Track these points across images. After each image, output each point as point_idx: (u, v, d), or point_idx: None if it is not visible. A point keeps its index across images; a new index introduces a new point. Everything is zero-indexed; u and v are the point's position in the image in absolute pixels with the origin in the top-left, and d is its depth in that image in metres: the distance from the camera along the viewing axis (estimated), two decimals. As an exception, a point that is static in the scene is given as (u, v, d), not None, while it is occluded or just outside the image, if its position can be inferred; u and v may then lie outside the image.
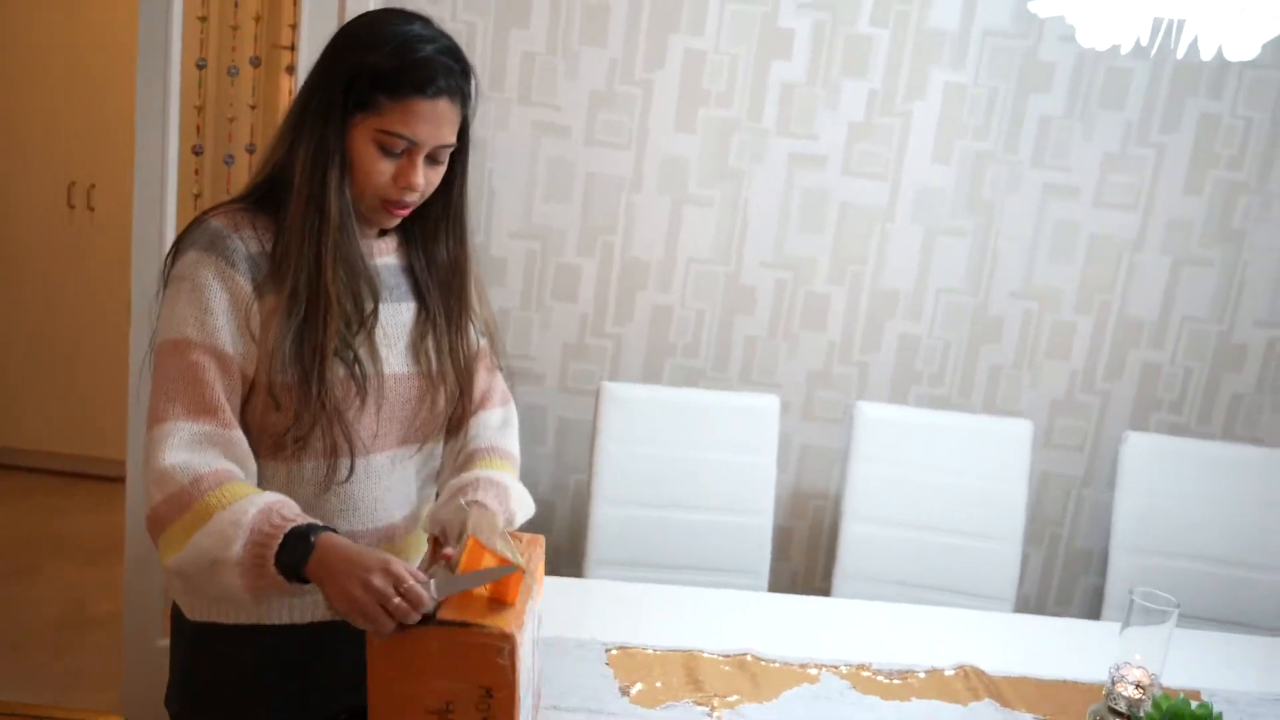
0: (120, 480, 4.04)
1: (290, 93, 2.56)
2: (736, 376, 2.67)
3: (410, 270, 1.48)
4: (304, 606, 1.44)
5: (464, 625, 1.19)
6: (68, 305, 4.01)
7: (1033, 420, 2.53)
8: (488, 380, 1.59)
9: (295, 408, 1.32)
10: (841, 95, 2.55)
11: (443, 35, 1.37)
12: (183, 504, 1.23)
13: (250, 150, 2.71)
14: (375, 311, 1.38)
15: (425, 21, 1.37)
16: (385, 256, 1.46)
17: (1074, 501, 2.77)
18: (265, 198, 1.37)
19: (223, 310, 1.30)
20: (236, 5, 2.72)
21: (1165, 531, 2.47)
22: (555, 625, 1.78)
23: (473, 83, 1.39)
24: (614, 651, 1.75)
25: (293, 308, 1.31)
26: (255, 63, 2.72)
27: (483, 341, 1.57)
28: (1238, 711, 1.81)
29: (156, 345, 1.32)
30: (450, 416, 1.52)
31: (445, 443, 1.57)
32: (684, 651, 1.78)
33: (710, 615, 1.96)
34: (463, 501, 1.37)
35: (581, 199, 2.59)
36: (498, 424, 1.58)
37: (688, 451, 2.38)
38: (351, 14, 2.41)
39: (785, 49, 2.52)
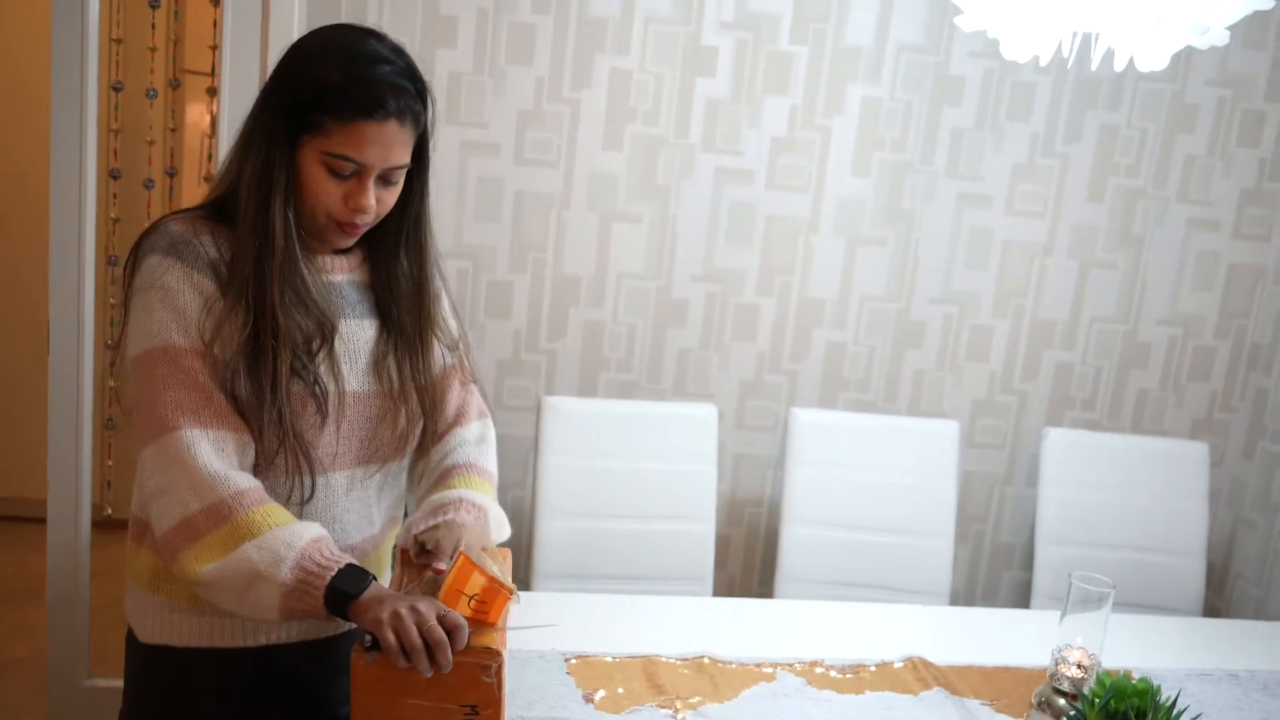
0: (24, 520, 3.92)
1: (213, 115, 2.53)
2: (670, 388, 2.72)
3: (373, 287, 1.46)
4: (257, 630, 1.41)
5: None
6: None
7: (956, 421, 2.63)
8: (462, 395, 1.57)
9: (259, 426, 1.31)
10: (764, 111, 2.62)
11: (397, 54, 1.33)
12: (223, 515, 1.23)
13: (171, 174, 2.66)
14: (333, 331, 1.36)
15: (379, 38, 1.34)
16: (348, 273, 1.44)
17: (997, 498, 2.87)
18: (221, 211, 1.35)
19: (195, 311, 1.28)
20: (153, 27, 2.67)
21: (1084, 522, 2.59)
22: (512, 637, 1.78)
23: (429, 102, 1.36)
24: (574, 660, 1.76)
25: (244, 322, 1.29)
26: (174, 85, 2.68)
27: (452, 356, 1.56)
28: (1167, 687, 1.90)
29: (136, 356, 1.29)
30: (418, 436, 1.50)
31: (419, 459, 1.56)
32: (642, 657, 1.80)
33: (664, 621, 1.99)
34: (454, 518, 1.37)
35: (512, 217, 2.61)
36: (475, 439, 1.56)
37: (629, 463, 2.41)
38: (274, 36, 2.40)
39: (709, 67, 2.59)
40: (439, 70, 2.51)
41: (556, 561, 2.34)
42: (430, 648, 1.16)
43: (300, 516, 1.38)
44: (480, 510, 1.45)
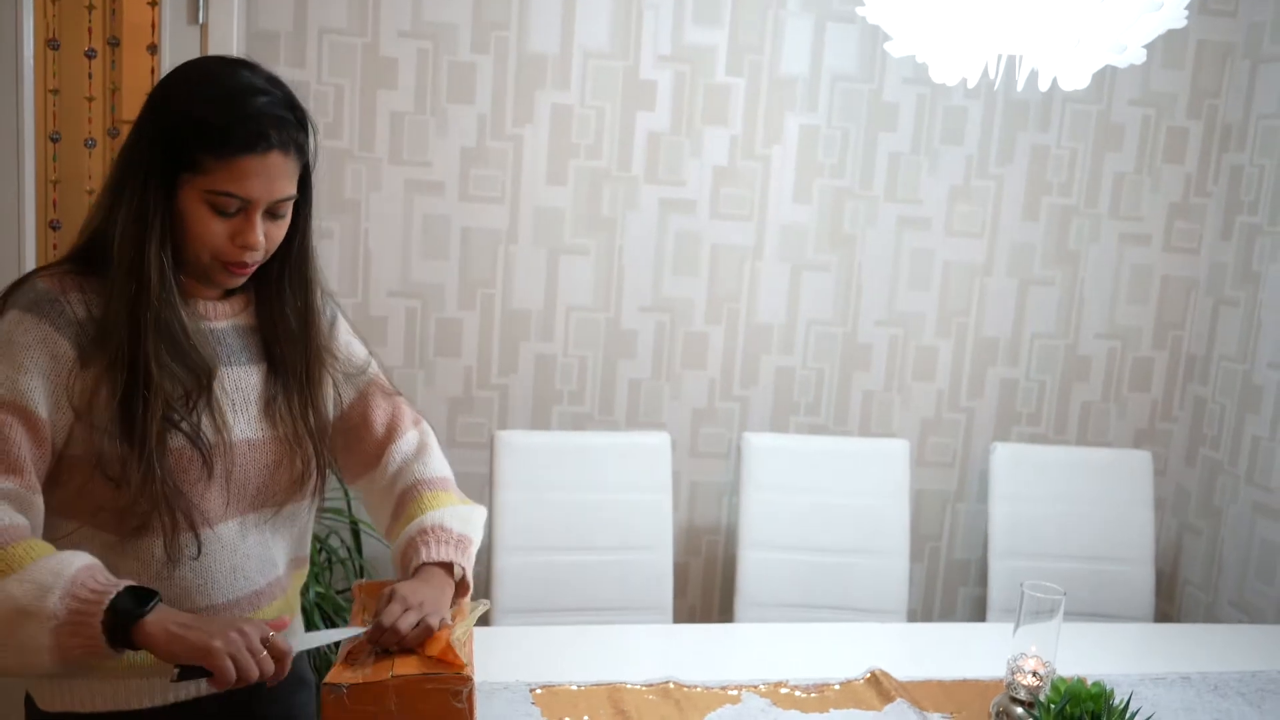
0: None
1: (153, 162, 2.52)
2: (623, 419, 2.73)
3: (259, 330, 1.40)
4: (164, 688, 1.34)
5: (422, 675, 1.20)
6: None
7: (906, 440, 2.66)
8: (388, 408, 1.52)
9: (132, 486, 1.24)
10: (704, 142, 2.67)
11: (273, 84, 1.28)
12: None
13: (112, 222, 2.64)
14: (210, 380, 1.30)
15: (252, 68, 1.29)
16: (231, 319, 1.38)
17: (949, 515, 2.91)
18: (92, 261, 1.27)
19: (40, 373, 1.21)
20: (90, 77, 2.66)
21: (1035, 535, 2.63)
22: (477, 671, 1.77)
23: (310, 130, 1.31)
24: (539, 691, 1.76)
25: (115, 380, 1.23)
26: (114, 134, 2.66)
27: (368, 371, 1.52)
28: (1121, 692, 1.93)
29: None
30: (315, 475, 1.43)
31: (364, 484, 1.54)
32: (607, 685, 1.80)
33: (626, 649, 1.99)
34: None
35: (459, 254, 2.61)
36: (415, 450, 1.52)
37: (584, 494, 2.41)
38: (215, 80, 2.40)
39: (649, 100, 2.62)
40: (381, 111, 2.52)
41: (516, 597, 2.33)
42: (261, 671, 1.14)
43: (191, 572, 1.32)
44: (442, 531, 1.40)
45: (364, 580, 1.54)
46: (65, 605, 1.10)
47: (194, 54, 2.42)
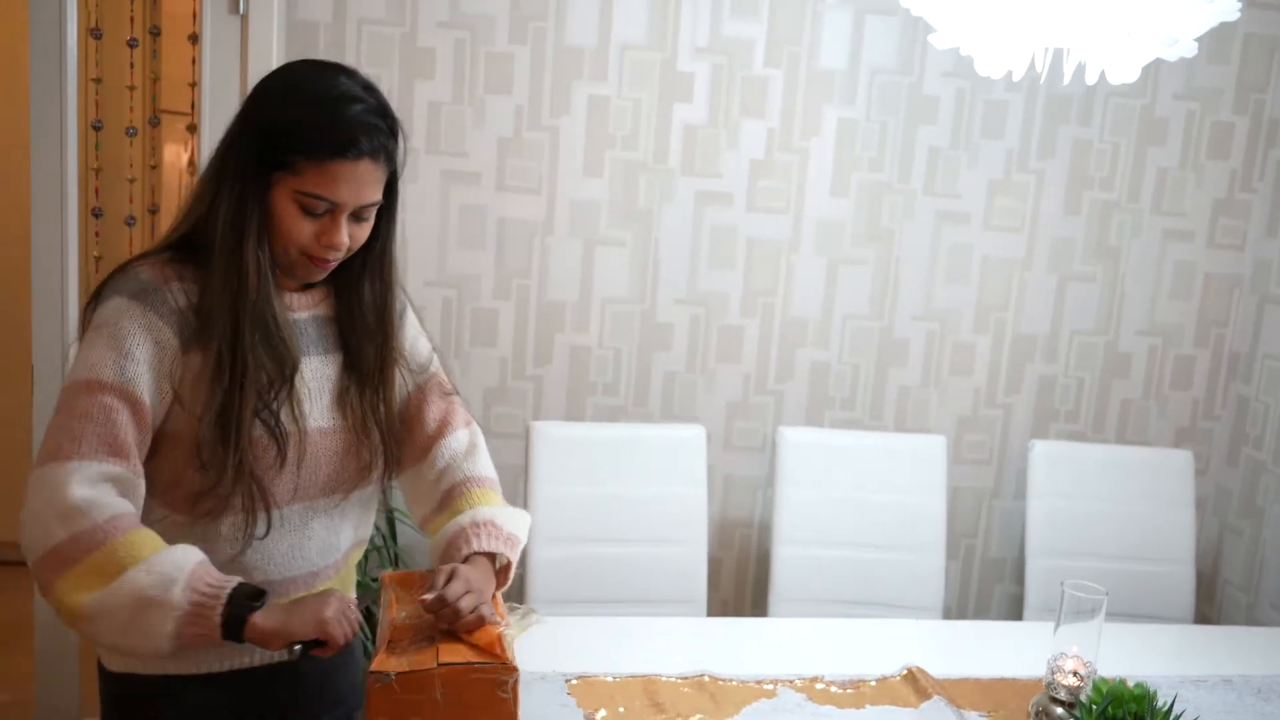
0: (6, 564, 3.87)
1: (191, 153, 2.53)
2: (657, 412, 2.72)
3: (336, 321, 1.45)
4: (219, 655, 1.40)
5: (468, 664, 1.20)
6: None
7: (943, 436, 2.64)
8: (443, 406, 1.55)
9: (216, 469, 1.29)
10: (741, 134, 2.65)
11: (368, 91, 1.33)
12: (96, 542, 1.18)
13: (153, 211, 2.66)
14: (294, 371, 1.35)
15: (350, 75, 1.33)
16: (311, 309, 1.43)
17: (985, 513, 2.89)
18: (189, 249, 1.33)
19: (145, 358, 1.26)
20: (132, 66, 2.68)
21: (1073, 533, 2.60)
22: (521, 658, 1.78)
23: (400, 138, 1.36)
24: (575, 681, 1.76)
25: (213, 368, 1.28)
26: (154, 123, 2.68)
27: (424, 376, 1.54)
28: (1162, 694, 1.91)
29: (66, 386, 1.27)
30: (382, 465, 1.48)
31: (410, 476, 1.55)
32: (642, 677, 1.80)
33: (662, 641, 1.99)
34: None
35: (495, 244, 2.62)
36: (465, 449, 1.54)
37: (619, 487, 2.41)
38: (253, 73, 2.42)
39: (686, 92, 2.61)
40: (418, 101, 2.52)
41: (549, 588, 2.33)
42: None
43: (254, 551, 1.37)
44: (491, 526, 1.44)
45: (392, 571, 1.54)
46: (188, 598, 1.18)
47: (234, 44, 2.43)
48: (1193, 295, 2.87)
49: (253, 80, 2.38)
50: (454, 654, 1.23)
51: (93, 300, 1.32)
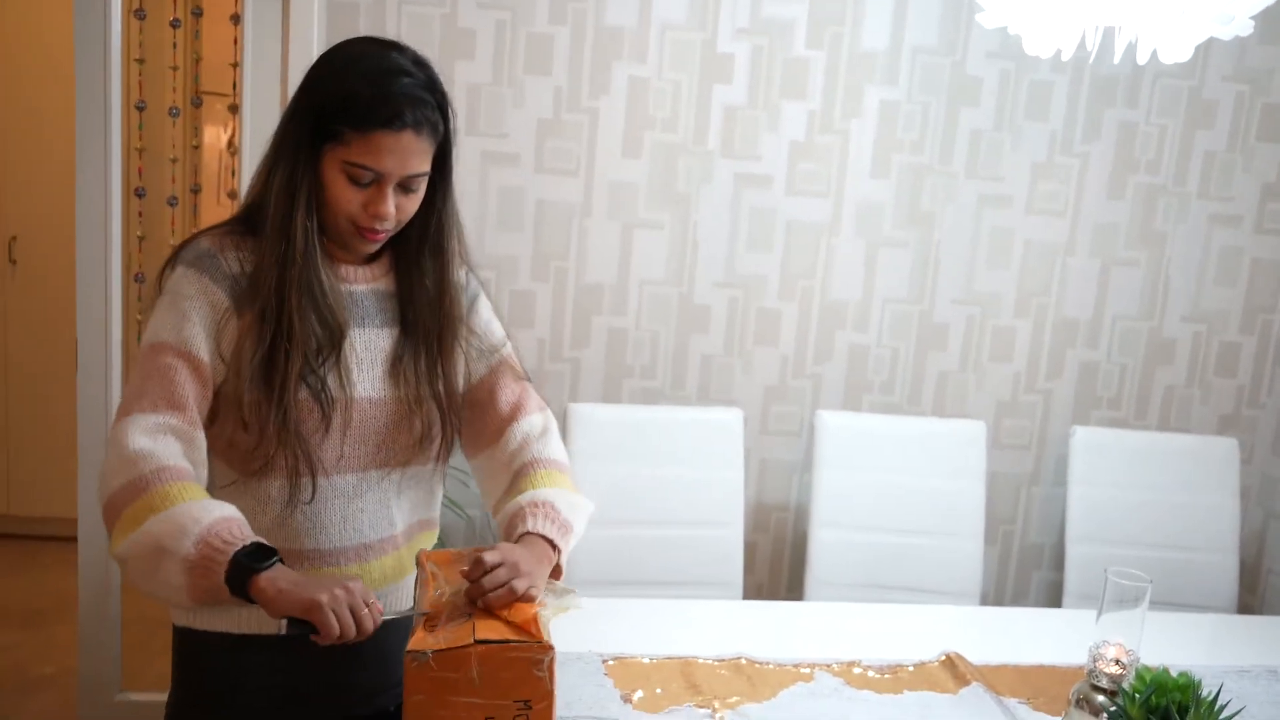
0: (47, 539, 3.94)
1: (233, 133, 2.55)
2: (694, 395, 2.72)
3: (396, 295, 1.48)
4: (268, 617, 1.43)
5: (504, 641, 1.20)
6: (-7, 362, 3.90)
7: (983, 421, 2.62)
8: (516, 389, 1.57)
9: (260, 428, 1.34)
10: (782, 116, 2.63)
11: (418, 66, 1.37)
12: (139, 489, 1.23)
13: (195, 191, 2.68)
14: (342, 338, 1.39)
15: (401, 50, 1.37)
16: (370, 283, 1.46)
17: (1024, 499, 2.86)
18: (249, 221, 1.40)
19: (200, 320, 1.33)
20: (175, 46, 2.69)
21: (1114, 521, 2.58)
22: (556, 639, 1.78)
23: (449, 113, 1.40)
24: (611, 662, 1.76)
25: (261, 330, 1.34)
26: (197, 103, 2.70)
27: (496, 357, 1.56)
28: (1206, 684, 1.89)
29: (138, 355, 1.35)
30: (439, 440, 1.50)
31: (480, 453, 1.57)
32: (679, 659, 1.80)
33: (698, 624, 1.99)
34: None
35: (533, 226, 2.62)
36: (539, 431, 1.55)
37: (656, 469, 2.41)
38: (294, 53, 2.43)
39: (726, 73, 2.60)
40: (458, 82, 2.52)
41: (585, 568, 2.34)
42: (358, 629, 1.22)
43: (304, 516, 1.41)
44: (549, 508, 1.44)
45: (430, 549, 1.55)
46: (198, 550, 1.20)
47: (275, 25, 2.44)
48: (1239, 281, 2.82)
49: (293, 61, 2.42)
50: (490, 631, 1.23)
51: (163, 270, 1.40)
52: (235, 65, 2.55)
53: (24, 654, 3.23)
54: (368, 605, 1.23)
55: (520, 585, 1.29)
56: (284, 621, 1.21)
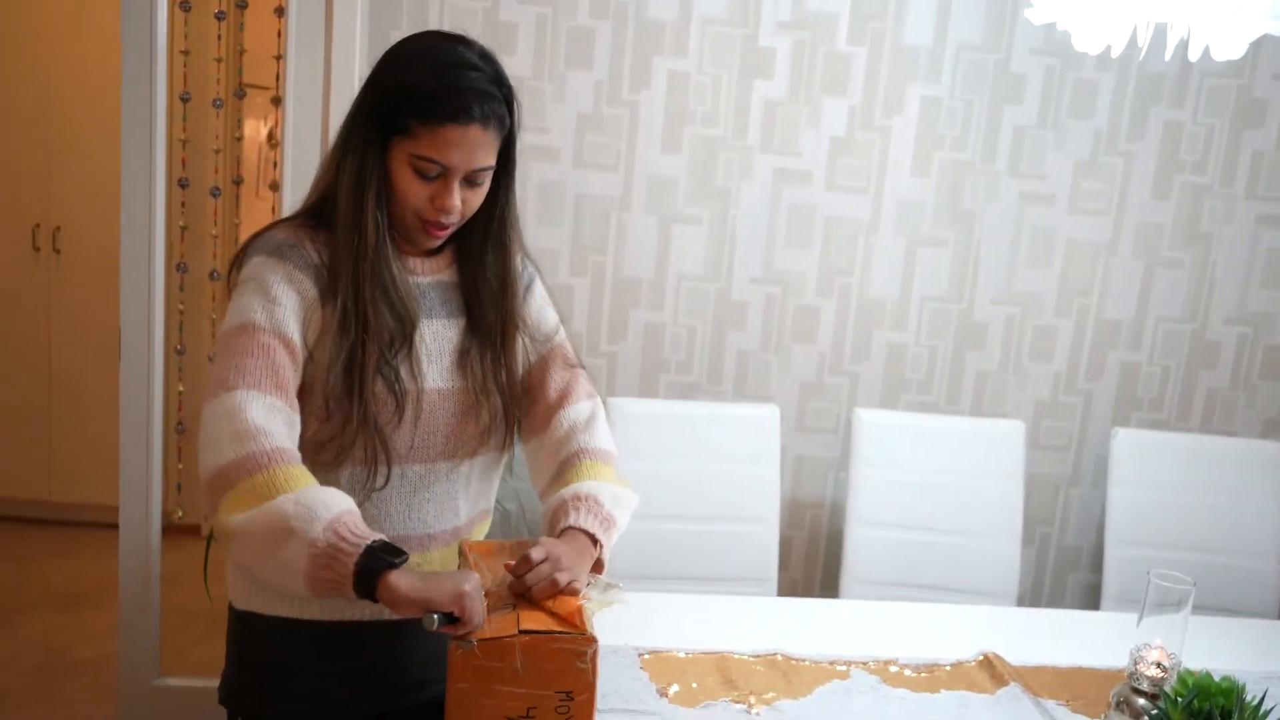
0: (87, 525, 4.00)
1: (278, 124, 2.57)
2: (731, 390, 2.71)
3: (460, 287, 1.49)
4: (335, 605, 1.44)
5: (548, 633, 1.21)
6: (38, 350, 3.95)
7: (1022, 421, 2.60)
8: (565, 376, 1.58)
9: (340, 419, 1.35)
10: (823, 112, 2.62)
11: (485, 60, 1.38)
12: (259, 465, 1.22)
13: (237, 182, 2.70)
14: (413, 329, 1.40)
15: (468, 44, 1.39)
16: (434, 275, 1.48)
17: (1063, 500, 2.83)
18: (319, 215, 1.41)
19: (291, 306, 1.34)
20: (219, 38, 2.72)
21: (1155, 524, 2.55)
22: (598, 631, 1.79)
23: (514, 106, 1.41)
24: (647, 656, 1.76)
25: (344, 326, 1.35)
26: (240, 95, 2.72)
27: (549, 345, 1.57)
28: (1249, 689, 1.86)
29: (220, 335, 1.35)
30: (503, 430, 1.52)
31: (529, 440, 1.58)
32: (715, 654, 1.80)
33: (735, 619, 1.99)
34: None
35: (572, 220, 2.62)
36: (585, 420, 1.56)
37: (692, 464, 2.41)
38: (338, 42, 2.44)
39: (767, 68, 2.59)
40: (500, 76, 2.52)
41: (619, 563, 2.33)
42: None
43: (371, 505, 1.42)
44: (593, 501, 1.44)
45: (472, 540, 1.56)
46: (327, 538, 1.18)
47: (319, 18, 2.46)
48: (1287, 283, 2.78)
49: (336, 54, 2.43)
50: (535, 622, 1.24)
51: (234, 264, 1.41)
52: (279, 58, 2.57)
53: (65, 637, 3.28)
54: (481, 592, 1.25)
55: (563, 578, 1.30)
56: (435, 617, 1.19)
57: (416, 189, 1.35)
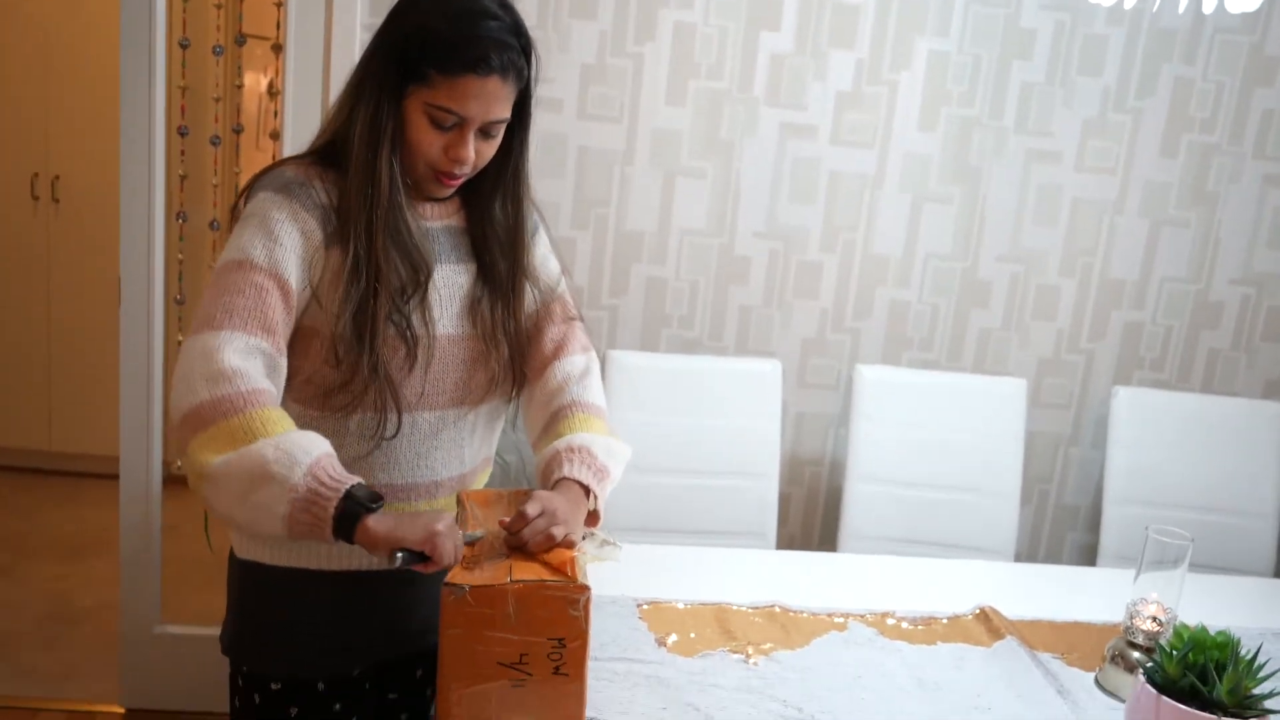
0: (88, 476, 4.01)
1: (279, 72, 2.54)
2: (732, 346, 2.70)
3: (469, 232, 1.48)
4: (336, 555, 1.45)
5: (540, 581, 1.22)
6: (38, 300, 3.94)
7: (1024, 379, 2.60)
8: (563, 329, 1.57)
9: (350, 366, 1.34)
10: (829, 65, 2.59)
11: (504, 9, 1.36)
12: (235, 408, 1.21)
13: (237, 131, 2.68)
14: (428, 277, 1.39)
15: None
16: (444, 220, 1.47)
17: (1062, 459, 2.84)
18: (328, 156, 1.39)
19: (293, 246, 1.32)
20: (219, -17, 2.69)
21: (1154, 483, 2.56)
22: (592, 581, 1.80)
23: (533, 59, 1.39)
24: (645, 606, 1.77)
25: (355, 273, 1.33)
26: (241, 42, 2.69)
27: (550, 295, 1.56)
28: (1244, 644, 1.87)
29: (216, 268, 1.32)
30: (511, 379, 1.52)
31: (525, 390, 1.57)
32: (713, 605, 1.81)
33: (733, 571, 2.00)
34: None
35: (575, 173, 2.60)
36: (579, 373, 1.55)
37: (694, 418, 2.41)
38: (340, -10, 2.41)
39: (774, 20, 2.56)
40: (503, 25, 2.50)
41: (619, 515, 2.34)
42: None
43: (381, 452, 1.41)
44: (586, 453, 1.44)
45: (469, 489, 1.57)
46: (306, 483, 1.18)
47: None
48: (1292, 244, 2.77)
49: (338, 1, 2.40)
50: (527, 572, 1.24)
51: (240, 198, 1.39)
52: (279, 4, 2.54)
53: (67, 585, 3.30)
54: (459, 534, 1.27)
55: (558, 532, 1.30)
56: (399, 555, 1.21)
57: (431, 138, 1.34)
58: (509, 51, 1.33)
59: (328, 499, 1.19)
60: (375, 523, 1.21)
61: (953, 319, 2.74)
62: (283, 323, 1.31)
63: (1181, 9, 1.66)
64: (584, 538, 1.38)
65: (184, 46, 2.62)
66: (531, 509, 1.31)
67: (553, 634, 1.23)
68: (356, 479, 1.23)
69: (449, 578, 1.23)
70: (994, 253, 2.71)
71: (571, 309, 1.60)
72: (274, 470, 1.18)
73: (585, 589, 1.23)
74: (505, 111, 1.36)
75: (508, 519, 1.32)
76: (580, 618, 1.23)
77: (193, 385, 1.23)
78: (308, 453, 1.20)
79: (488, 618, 1.21)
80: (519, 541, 1.30)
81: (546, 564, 1.28)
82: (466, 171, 1.38)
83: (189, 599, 2.79)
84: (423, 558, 1.23)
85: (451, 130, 1.34)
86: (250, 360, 1.26)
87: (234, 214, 1.39)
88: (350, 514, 1.20)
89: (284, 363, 1.32)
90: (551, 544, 1.30)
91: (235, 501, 1.21)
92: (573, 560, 1.28)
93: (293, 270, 1.32)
